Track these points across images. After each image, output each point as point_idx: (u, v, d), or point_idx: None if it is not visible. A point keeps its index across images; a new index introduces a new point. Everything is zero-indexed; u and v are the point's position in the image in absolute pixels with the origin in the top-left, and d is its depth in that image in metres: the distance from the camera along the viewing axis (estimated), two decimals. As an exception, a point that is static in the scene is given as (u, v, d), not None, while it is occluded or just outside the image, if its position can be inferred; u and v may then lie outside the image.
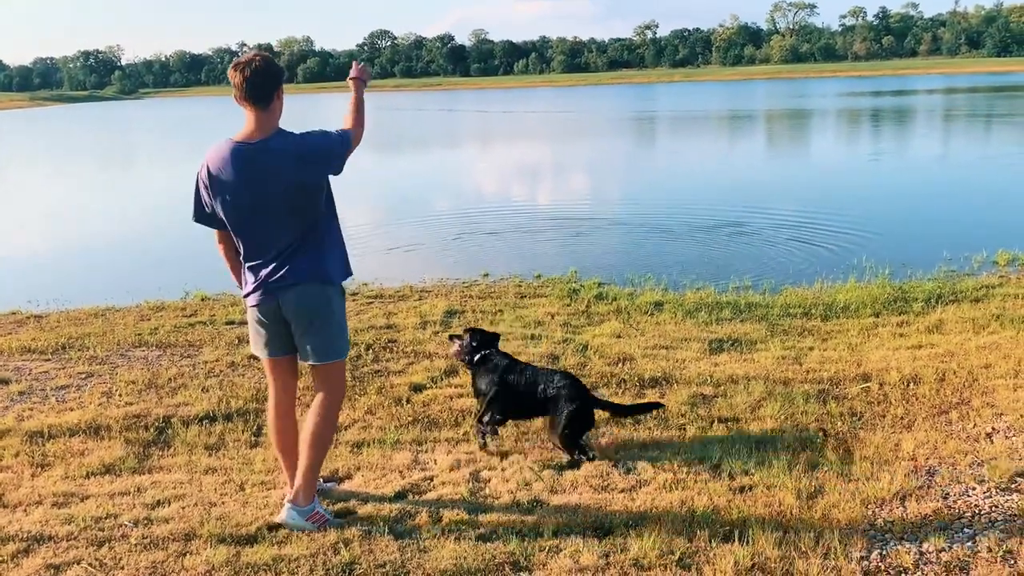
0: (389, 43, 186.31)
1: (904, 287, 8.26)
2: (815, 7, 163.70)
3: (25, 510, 3.98)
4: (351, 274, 3.81)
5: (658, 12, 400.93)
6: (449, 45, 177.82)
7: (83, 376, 6.16)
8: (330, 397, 3.77)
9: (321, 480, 4.02)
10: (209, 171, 3.54)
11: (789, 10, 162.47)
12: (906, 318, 7.23)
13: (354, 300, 8.62)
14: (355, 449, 4.64)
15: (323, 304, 3.66)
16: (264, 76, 3.47)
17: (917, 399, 5.12)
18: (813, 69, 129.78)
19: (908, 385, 5.34)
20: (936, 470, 4.11)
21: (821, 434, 4.63)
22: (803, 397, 5.18)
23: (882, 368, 5.69)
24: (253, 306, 3.70)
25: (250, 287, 3.68)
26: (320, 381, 3.78)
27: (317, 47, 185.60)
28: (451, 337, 4.95)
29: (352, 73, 3.99)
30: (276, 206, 3.51)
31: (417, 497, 4.03)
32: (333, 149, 3.65)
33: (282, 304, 3.63)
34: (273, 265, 3.59)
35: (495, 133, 41.61)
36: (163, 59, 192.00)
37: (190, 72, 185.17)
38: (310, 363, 3.74)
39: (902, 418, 4.84)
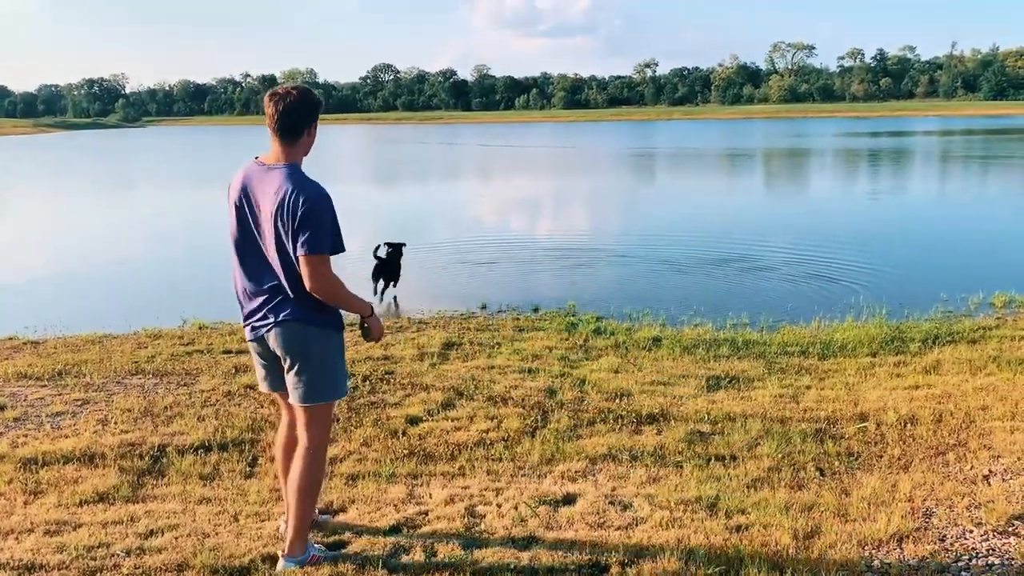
0: (392, 76, 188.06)
1: (901, 327, 8.28)
2: (813, 48, 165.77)
3: (17, 538, 3.95)
4: (340, 324, 3.62)
5: (658, 50, 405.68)
6: (451, 80, 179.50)
7: (79, 403, 6.14)
8: (312, 443, 3.59)
9: (317, 512, 3.99)
10: (230, 186, 3.56)
11: (788, 51, 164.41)
12: (903, 358, 7.24)
13: (351, 330, 8.60)
14: (350, 481, 4.62)
15: (302, 344, 3.51)
16: (296, 112, 3.41)
17: (914, 440, 5.11)
18: (811, 109, 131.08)
19: (905, 426, 5.34)
20: (933, 512, 4.10)
21: (818, 474, 4.62)
22: (800, 436, 5.18)
23: (879, 408, 5.69)
24: (248, 340, 3.67)
25: (243, 320, 3.65)
26: (302, 425, 3.61)
27: (320, 79, 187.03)
28: None
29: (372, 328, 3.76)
30: (264, 236, 3.44)
31: (412, 531, 4.00)
32: (303, 231, 3.31)
33: (267, 340, 3.56)
34: (258, 301, 3.53)
35: (496, 167, 41.87)
36: (167, 88, 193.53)
37: (193, 101, 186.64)
38: (292, 403, 3.62)
39: (899, 459, 4.84)
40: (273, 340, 3.53)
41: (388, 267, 10.89)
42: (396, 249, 10.98)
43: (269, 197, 3.38)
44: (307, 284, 3.38)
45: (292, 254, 3.38)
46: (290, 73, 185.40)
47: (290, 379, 3.57)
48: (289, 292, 3.45)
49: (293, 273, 3.43)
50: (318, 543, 3.80)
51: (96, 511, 4.25)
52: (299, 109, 3.42)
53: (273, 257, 3.44)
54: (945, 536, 3.84)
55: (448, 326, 8.81)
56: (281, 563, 3.62)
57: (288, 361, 3.54)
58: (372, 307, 3.72)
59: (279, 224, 3.36)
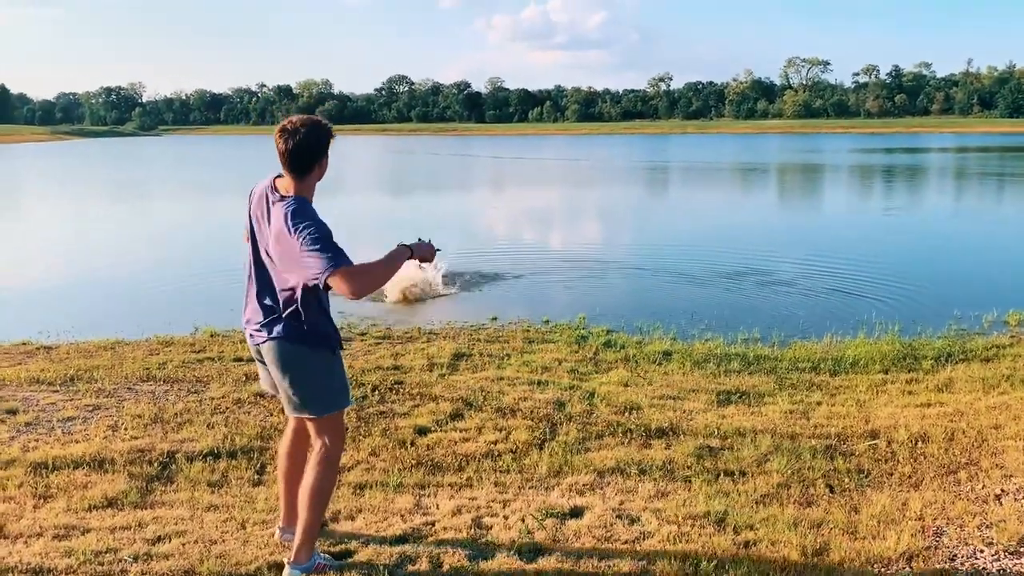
0: (407, 88, 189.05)
1: (914, 344, 8.23)
2: (828, 64, 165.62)
3: (26, 542, 3.97)
4: (335, 345, 3.61)
5: (672, 64, 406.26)
6: (465, 92, 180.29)
7: (90, 408, 6.17)
8: (324, 451, 3.61)
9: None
10: (251, 194, 3.62)
11: (802, 66, 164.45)
12: (915, 375, 7.19)
13: (362, 340, 8.64)
14: (358, 490, 4.62)
15: (294, 363, 3.53)
16: (305, 150, 3.42)
17: (925, 458, 5.08)
18: (826, 125, 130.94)
19: (916, 443, 5.30)
20: (944, 531, 4.06)
21: (828, 491, 4.59)
22: (810, 452, 5.15)
23: (890, 425, 5.66)
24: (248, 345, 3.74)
25: (243, 323, 3.71)
26: (313, 434, 3.67)
27: (336, 90, 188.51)
28: None
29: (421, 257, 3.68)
30: (266, 255, 3.51)
31: (418, 542, 4.00)
32: (306, 255, 3.29)
33: (262, 351, 3.63)
34: (258, 312, 3.58)
35: (509, 179, 41.97)
36: (183, 97, 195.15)
37: (209, 110, 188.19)
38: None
39: (910, 477, 4.80)
40: (267, 354, 3.59)
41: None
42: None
43: (275, 226, 3.41)
44: (350, 297, 3.33)
45: (296, 281, 3.41)
46: (306, 83, 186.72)
47: (284, 392, 3.62)
48: (282, 314, 3.50)
49: (287, 298, 3.48)
50: (324, 552, 3.81)
51: (105, 516, 4.27)
52: (308, 147, 3.42)
53: (275, 276, 3.50)
54: (955, 556, 3.81)
55: (458, 337, 8.82)
56: (287, 571, 3.62)
57: (280, 376, 3.58)
58: (403, 246, 3.58)
59: (279, 254, 3.40)
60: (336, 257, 3.26)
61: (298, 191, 3.47)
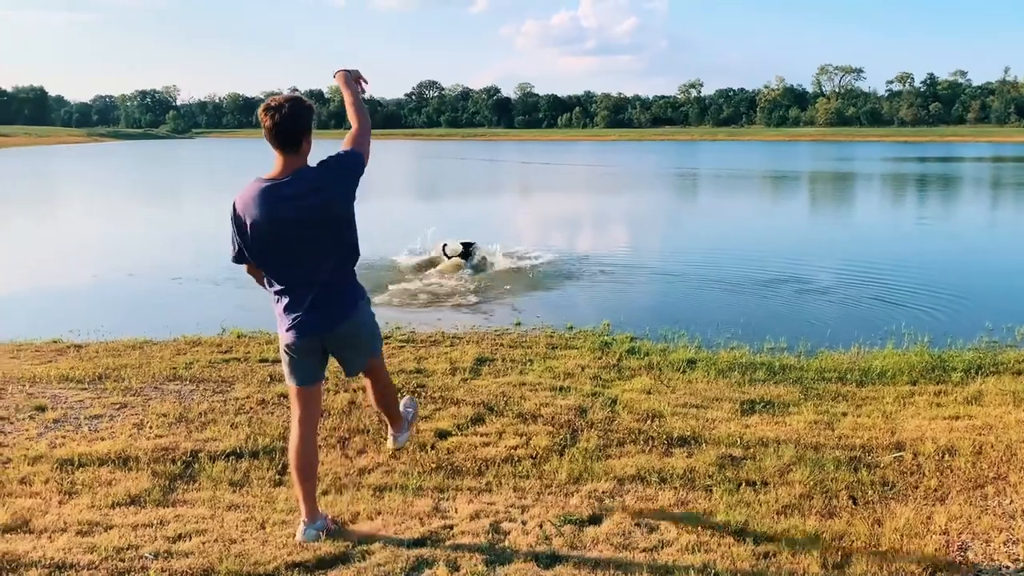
0: (436, 93, 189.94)
1: (943, 356, 8.10)
2: (862, 71, 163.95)
3: (50, 537, 4.02)
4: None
5: (703, 71, 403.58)
6: (495, 97, 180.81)
7: (116, 407, 6.25)
8: (387, 378, 4.27)
9: (330, 520, 4.13)
10: (235, 211, 3.66)
11: (835, 73, 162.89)
12: (944, 388, 7.08)
13: (386, 343, 8.67)
14: (377, 493, 4.63)
15: (364, 330, 3.92)
16: (293, 122, 3.54)
17: (952, 471, 4.99)
18: (858, 133, 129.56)
19: (943, 456, 5.21)
20: (969, 546, 3.99)
21: (851, 502, 4.53)
22: (834, 463, 5.08)
23: (917, 438, 5.57)
24: (288, 344, 3.79)
25: (287, 325, 3.75)
26: (373, 376, 4.16)
27: (367, 95, 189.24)
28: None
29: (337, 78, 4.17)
30: (304, 243, 3.59)
31: (435, 545, 4.00)
32: (344, 166, 3.72)
33: (325, 339, 3.79)
34: (310, 307, 3.68)
35: (537, 183, 41.97)
36: (216, 100, 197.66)
37: (241, 114, 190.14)
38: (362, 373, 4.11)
39: (935, 490, 4.72)
40: (337, 337, 3.80)
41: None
42: (468, 248, 14.14)
43: (310, 199, 3.57)
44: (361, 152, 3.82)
45: (346, 226, 3.71)
46: (336, 87, 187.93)
47: (353, 359, 3.97)
48: (346, 280, 3.78)
49: (346, 261, 3.75)
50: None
51: (127, 513, 4.32)
52: (295, 118, 3.55)
53: (327, 254, 3.67)
54: (981, 571, 3.74)
55: (481, 341, 8.83)
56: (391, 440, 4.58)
57: (367, 340, 3.94)
58: (342, 71, 4.20)
59: (334, 211, 3.64)
60: (348, 153, 3.79)
61: (296, 165, 3.61)
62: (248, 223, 3.61)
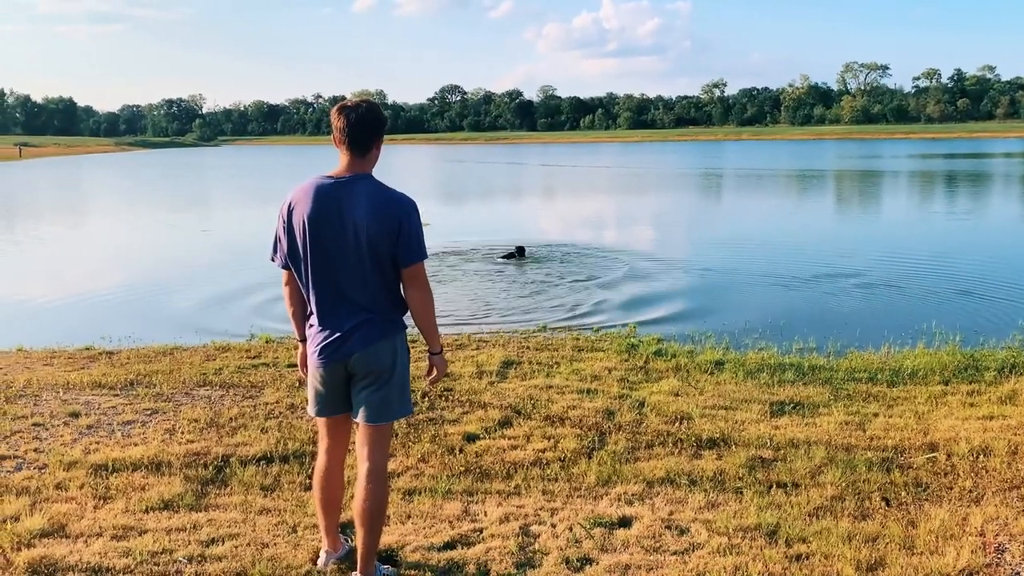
0: (459, 97, 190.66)
1: (976, 355, 7.99)
2: (887, 68, 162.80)
3: (86, 541, 4.08)
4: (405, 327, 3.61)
5: (726, 71, 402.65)
6: (517, 100, 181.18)
7: (148, 412, 6.32)
8: (380, 464, 3.56)
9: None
10: (290, 205, 3.45)
11: (860, 71, 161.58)
12: (977, 387, 6.98)
13: (412, 347, 8.68)
14: (406, 496, 4.66)
15: (390, 361, 3.49)
16: (367, 125, 3.41)
17: (987, 472, 4.92)
18: (884, 130, 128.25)
19: (977, 457, 5.14)
20: (1006, 547, 3.93)
21: (884, 504, 4.48)
22: (866, 465, 5.03)
23: (950, 438, 5.50)
24: (316, 367, 3.54)
25: (316, 345, 3.51)
26: (369, 445, 3.55)
27: (390, 100, 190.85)
28: None
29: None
30: (350, 252, 3.37)
31: (465, 549, 4.01)
32: (409, 234, 3.39)
33: (349, 363, 3.48)
34: (343, 325, 3.44)
35: (560, 185, 41.94)
36: (242, 108, 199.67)
37: (267, 121, 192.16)
38: (363, 423, 3.54)
39: (970, 491, 4.66)
40: (360, 360, 3.46)
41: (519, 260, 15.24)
42: (520, 251, 15.61)
43: (360, 209, 3.34)
44: (411, 293, 3.46)
45: (389, 263, 3.40)
46: (361, 94, 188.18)
47: (366, 398, 3.50)
48: (383, 307, 3.47)
49: (387, 286, 3.45)
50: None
51: (161, 518, 4.37)
52: (370, 122, 3.42)
53: (366, 270, 3.39)
54: (1018, 573, 3.69)
55: (508, 344, 8.83)
56: None
57: (369, 380, 3.49)
58: (436, 354, 3.70)
59: (374, 235, 3.34)
60: (423, 250, 3.46)
61: (364, 170, 3.44)
62: (297, 214, 3.41)
